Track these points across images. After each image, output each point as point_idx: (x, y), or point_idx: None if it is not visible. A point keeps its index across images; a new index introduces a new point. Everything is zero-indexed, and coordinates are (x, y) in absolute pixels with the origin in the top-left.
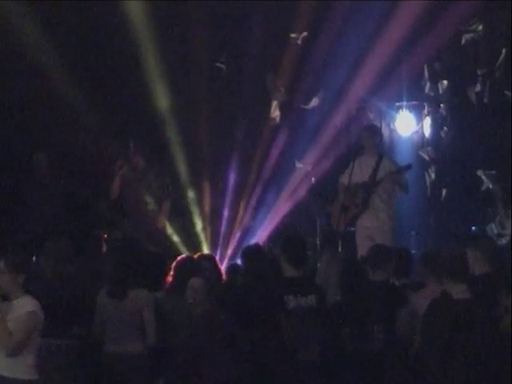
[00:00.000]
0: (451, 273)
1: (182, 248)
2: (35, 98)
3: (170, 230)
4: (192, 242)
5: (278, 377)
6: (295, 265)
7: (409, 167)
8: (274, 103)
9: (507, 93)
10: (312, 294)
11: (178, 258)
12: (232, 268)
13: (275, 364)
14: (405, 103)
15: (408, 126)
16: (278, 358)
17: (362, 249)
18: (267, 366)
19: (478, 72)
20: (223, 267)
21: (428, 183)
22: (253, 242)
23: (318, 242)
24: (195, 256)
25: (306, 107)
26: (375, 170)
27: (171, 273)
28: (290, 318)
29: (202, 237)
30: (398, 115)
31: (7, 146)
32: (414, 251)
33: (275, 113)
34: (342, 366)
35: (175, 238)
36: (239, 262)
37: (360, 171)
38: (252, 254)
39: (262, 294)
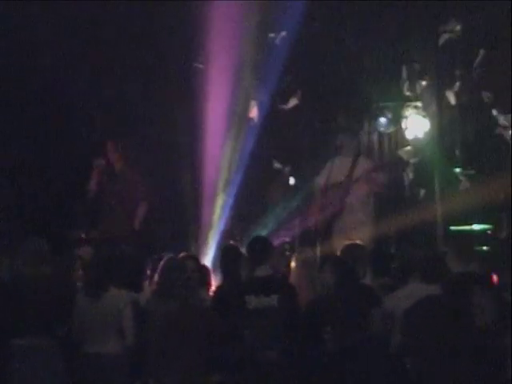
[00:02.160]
0: (423, 274)
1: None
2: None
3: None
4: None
5: (238, 376)
6: (259, 265)
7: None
8: (252, 103)
9: (485, 93)
10: (275, 293)
11: (164, 259)
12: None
13: (235, 364)
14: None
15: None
16: (238, 359)
17: (340, 248)
18: (227, 366)
19: (456, 72)
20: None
21: (406, 183)
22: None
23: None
24: (179, 256)
25: (285, 107)
26: (351, 170)
27: (157, 273)
28: (251, 318)
29: (184, 237)
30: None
31: None
32: (392, 251)
33: (253, 113)
34: (303, 366)
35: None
36: None
37: (337, 171)
38: (227, 253)
39: (224, 293)
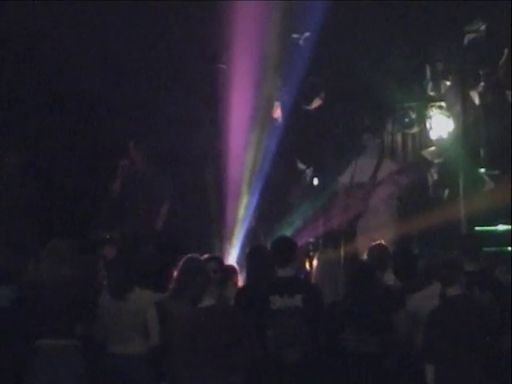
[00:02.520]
0: (443, 277)
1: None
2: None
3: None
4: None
5: (262, 377)
6: (283, 265)
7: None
8: (276, 104)
9: (509, 92)
10: (299, 293)
11: (184, 259)
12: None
13: (259, 364)
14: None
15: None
16: (262, 359)
17: (364, 249)
18: (252, 367)
19: (481, 72)
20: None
21: (430, 183)
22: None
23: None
24: (203, 257)
25: (308, 108)
26: (376, 171)
27: (175, 273)
28: (274, 318)
29: (208, 237)
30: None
31: None
32: (416, 251)
33: (277, 113)
34: (326, 367)
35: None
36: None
37: (361, 171)
38: (255, 254)
39: (248, 293)
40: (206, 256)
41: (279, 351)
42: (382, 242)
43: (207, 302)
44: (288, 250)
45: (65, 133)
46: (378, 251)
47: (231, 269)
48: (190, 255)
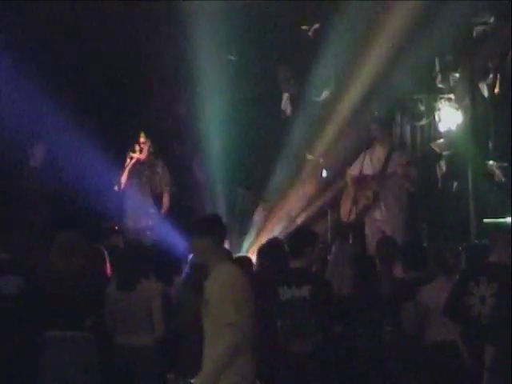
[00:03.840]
0: (447, 269)
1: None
2: None
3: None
4: None
5: (271, 367)
6: (294, 256)
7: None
8: (285, 95)
9: None
10: (307, 285)
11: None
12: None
13: (268, 355)
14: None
15: None
16: (271, 350)
17: (373, 241)
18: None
19: (489, 64)
20: None
21: (439, 176)
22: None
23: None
24: None
25: (317, 99)
26: (386, 163)
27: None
28: (283, 308)
29: None
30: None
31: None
32: (425, 244)
33: (286, 105)
34: (336, 357)
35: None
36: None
37: (370, 163)
38: (270, 247)
39: (258, 285)
40: None
41: (288, 342)
42: (390, 234)
43: None
44: (301, 241)
45: (74, 126)
46: (385, 244)
47: (245, 259)
48: None
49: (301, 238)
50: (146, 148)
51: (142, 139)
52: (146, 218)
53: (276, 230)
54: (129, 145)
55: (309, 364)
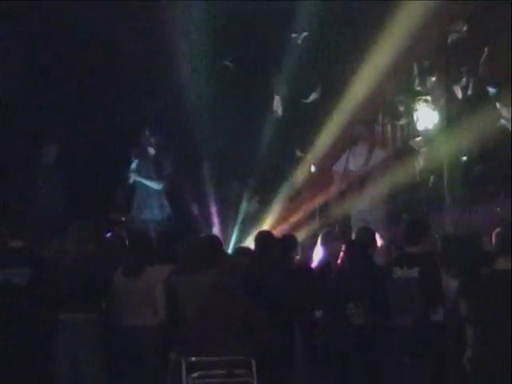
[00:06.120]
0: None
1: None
2: None
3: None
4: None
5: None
6: (411, 243)
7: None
8: (277, 98)
9: (489, 88)
10: (417, 266)
11: (189, 238)
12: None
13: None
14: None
15: None
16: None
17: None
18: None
19: (463, 69)
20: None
21: (417, 170)
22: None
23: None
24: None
25: (306, 101)
26: (368, 158)
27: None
28: (394, 286)
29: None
30: None
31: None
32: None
33: (277, 106)
34: (435, 336)
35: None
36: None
37: (354, 159)
38: (264, 238)
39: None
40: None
41: (395, 317)
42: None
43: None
44: (418, 231)
45: (85, 123)
46: (362, 233)
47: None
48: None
49: (418, 227)
50: (150, 143)
51: (147, 135)
52: (154, 210)
53: (270, 222)
54: (135, 138)
55: (412, 339)
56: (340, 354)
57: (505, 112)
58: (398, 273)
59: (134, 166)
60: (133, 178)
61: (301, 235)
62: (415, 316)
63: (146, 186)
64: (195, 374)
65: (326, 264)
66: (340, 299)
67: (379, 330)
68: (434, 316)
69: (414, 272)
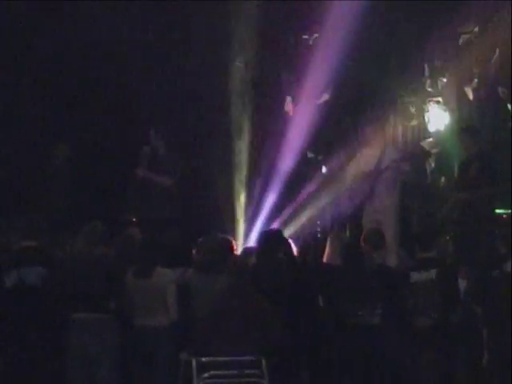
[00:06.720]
0: None
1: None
2: None
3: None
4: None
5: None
6: (425, 250)
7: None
8: (288, 98)
9: (500, 89)
10: (434, 268)
11: (204, 238)
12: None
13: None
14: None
15: None
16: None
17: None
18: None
19: (474, 70)
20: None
21: (428, 171)
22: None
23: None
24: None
25: (317, 102)
26: (380, 159)
27: (202, 251)
28: (412, 289)
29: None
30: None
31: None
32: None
33: (289, 107)
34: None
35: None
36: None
37: (366, 160)
38: (269, 237)
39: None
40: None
41: (413, 317)
42: (378, 226)
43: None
44: (431, 237)
45: (94, 124)
46: (371, 234)
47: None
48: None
49: (431, 233)
50: (159, 142)
51: (154, 134)
52: (164, 209)
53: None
54: (145, 138)
55: (431, 338)
56: (351, 354)
57: None
58: (415, 277)
59: (144, 164)
60: (142, 175)
61: (309, 235)
62: (434, 317)
63: (157, 185)
64: (206, 374)
65: (334, 264)
66: (346, 299)
67: (393, 330)
68: (452, 316)
69: (432, 274)
